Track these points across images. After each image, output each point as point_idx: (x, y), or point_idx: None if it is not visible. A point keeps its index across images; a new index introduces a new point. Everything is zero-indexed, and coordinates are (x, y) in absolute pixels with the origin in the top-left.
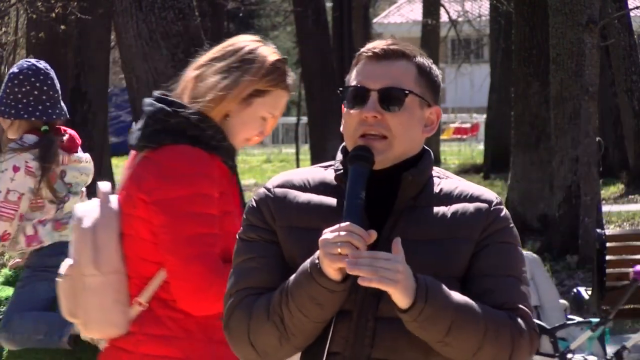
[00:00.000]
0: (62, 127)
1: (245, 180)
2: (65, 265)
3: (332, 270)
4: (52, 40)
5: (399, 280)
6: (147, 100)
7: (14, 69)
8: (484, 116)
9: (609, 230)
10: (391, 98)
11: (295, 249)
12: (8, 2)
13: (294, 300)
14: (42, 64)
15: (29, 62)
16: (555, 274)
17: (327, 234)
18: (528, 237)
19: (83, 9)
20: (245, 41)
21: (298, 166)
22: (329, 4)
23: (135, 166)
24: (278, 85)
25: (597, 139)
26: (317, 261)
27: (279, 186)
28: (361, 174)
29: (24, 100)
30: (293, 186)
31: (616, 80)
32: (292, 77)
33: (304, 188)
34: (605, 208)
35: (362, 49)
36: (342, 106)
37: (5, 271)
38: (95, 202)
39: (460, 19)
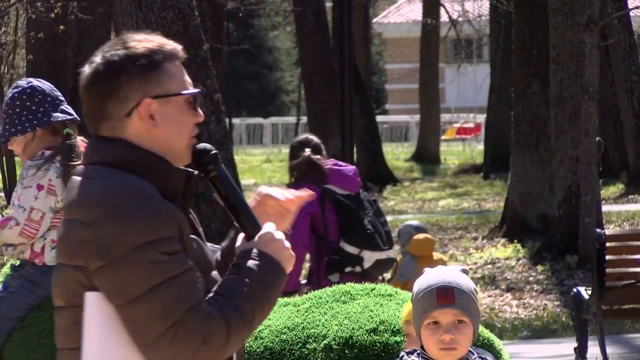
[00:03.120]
0: (83, 141)
1: (245, 180)
2: None
3: (292, 266)
4: (52, 40)
5: None
6: None
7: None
8: (484, 116)
9: (609, 230)
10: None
11: (199, 255)
12: (8, 2)
13: (270, 302)
14: (22, 83)
15: (16, 87)
16: (555, 273)
17: (282, 235)
18: (528, 237)
19: (83, 9)
20: None
21: None
22: (329, 4)
23: None
24: None
25: (597, 138)
26: (279, 261)
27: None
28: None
29: (22, 117)
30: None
31: (616, 80)
32: None
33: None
34: (605, 208)
35: (173, 51)
36: (152, 108)
37: (5, 270)
38: None
39: (460, 19)
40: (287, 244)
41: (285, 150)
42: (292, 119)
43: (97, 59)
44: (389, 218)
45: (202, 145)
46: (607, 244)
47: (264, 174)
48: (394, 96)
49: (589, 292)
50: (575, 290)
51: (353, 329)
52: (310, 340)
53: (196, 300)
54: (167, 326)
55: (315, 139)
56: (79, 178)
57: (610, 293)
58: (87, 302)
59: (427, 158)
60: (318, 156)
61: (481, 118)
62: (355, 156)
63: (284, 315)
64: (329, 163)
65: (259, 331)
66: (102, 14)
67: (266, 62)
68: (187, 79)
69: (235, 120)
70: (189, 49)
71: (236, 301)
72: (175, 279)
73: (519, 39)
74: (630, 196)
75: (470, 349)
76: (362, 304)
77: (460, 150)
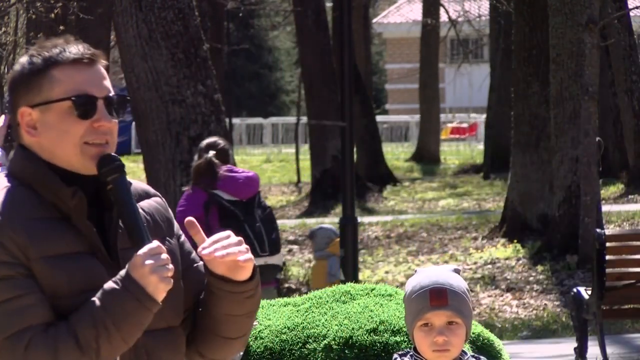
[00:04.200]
0: None
1: None
2: None
3: (164, 293)
4: None
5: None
6: None
7: None
8: (484, 116)
9: (609, 230)
10: (118, 104)
11: (61, 278)
12: (8, 2)
13: (120, 331)
14: None
15: None
16: (555, 273)
17: (152, 258)
18: (528, 237)
19: (83, 9)
20: None
21: (298, 166)
22: (329, 4)
23: None
24: None
25: (597, 139)
26: (144, 287)
27: (13, 216)
28: (129, 186)
29: None
30: (23, 213)
31: (616, 80)
32: None
33: (30, 213)
34: (605, 208)
35: (68, 55)
36: (29, 114)
37: None
38: None
39: (460, 19)
40: (160, 269)
41: (286, 150)
42: (292, 119)
43: None
44: (389, 218)
45: (112, 155)
46: (607, 244)
47: (264, 174)
48: (394, 96)
49: (589, 292)
50: (575, 290)
51: (353, 329)
52: (310, 340)
53: (18, 328)
54: None
55: (223, 143)
56: None
57: (610, 293)
58: None
59: (427, 158)
60: (217, 161)
61: (480, 118)
62: (355, 156)
63: (284, 315)
64: (223, 168)
65: (259, 331)
66: (102, 14)
67: (266, 62)
68: (87, 82)
69: (235, 120)
70: (189, 49)
71: (77, 329)
72: None
73: (519, 39)
74: (630, 196)
75: (463, 349)
76: (362, 304)
77: (460, 150)
